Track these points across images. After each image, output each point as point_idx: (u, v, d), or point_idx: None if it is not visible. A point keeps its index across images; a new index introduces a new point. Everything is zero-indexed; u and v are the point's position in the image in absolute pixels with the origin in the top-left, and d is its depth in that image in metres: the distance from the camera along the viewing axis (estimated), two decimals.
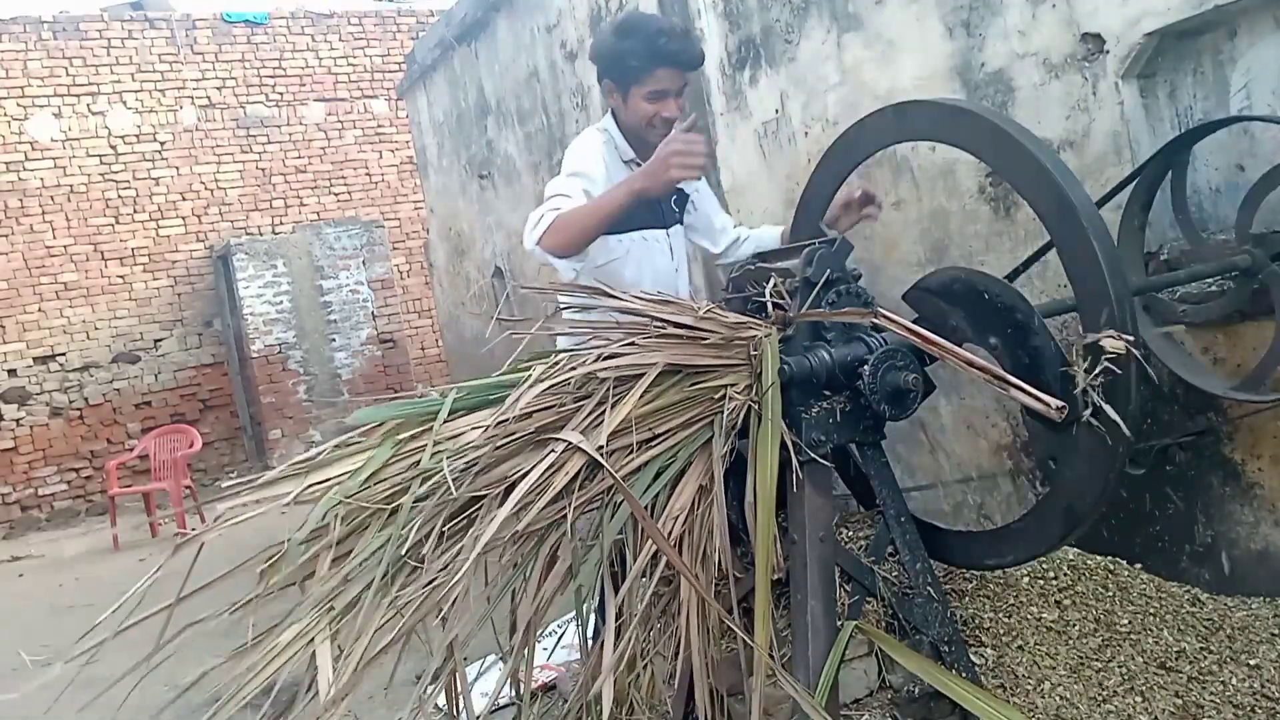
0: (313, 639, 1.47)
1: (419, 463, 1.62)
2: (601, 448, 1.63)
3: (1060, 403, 1.58)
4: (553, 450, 1.62)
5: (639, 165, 2.44)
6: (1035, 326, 1.76)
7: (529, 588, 1.61)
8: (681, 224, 2.62)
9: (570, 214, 2.18)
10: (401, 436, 1.68)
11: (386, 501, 1.60)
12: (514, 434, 1.65)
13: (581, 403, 1.71)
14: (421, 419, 1.71)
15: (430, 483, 1.59)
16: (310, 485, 1.61)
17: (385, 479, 1.63)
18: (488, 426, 1.64)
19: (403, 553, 1.53)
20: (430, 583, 1.52)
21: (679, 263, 2.56)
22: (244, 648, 1.50)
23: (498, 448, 1.63)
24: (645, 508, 1.66)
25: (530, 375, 1.72)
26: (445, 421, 1.69)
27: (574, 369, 1.73)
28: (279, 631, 1.50)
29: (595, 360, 1.74)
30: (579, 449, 1.62)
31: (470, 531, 1.57)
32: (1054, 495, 1.86)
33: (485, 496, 1.61)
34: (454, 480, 1.57)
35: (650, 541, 1.64)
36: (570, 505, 1.61)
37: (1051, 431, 1.78)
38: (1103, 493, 1.75)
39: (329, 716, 1.39)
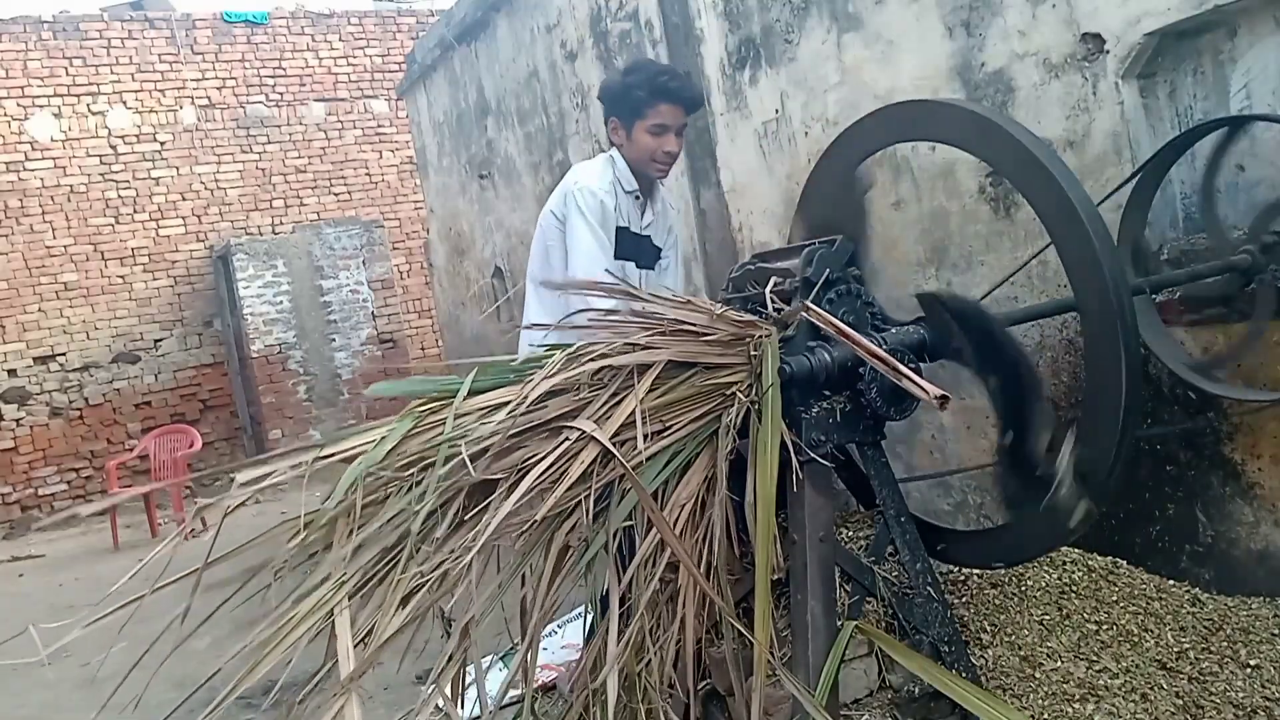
0: (332, 610, 1.48)
1: (440, 434, 1.66)
2: (614, 438, 1.66)
3: (939, 391, 1.63)
4: (566, 438, 1.65)
5: (638, 198, 2.63)
6: (1039, 394, 1.88)
7: (543, 570, 1.64)
8: (653, 270, 2.75)
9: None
10: (421, 410, 1.73)
11: (406, 470, 1.64)
12: (529, 422, 1.69)
13: (596, 393, 1.75)
14: (438, 397, 1.77)
15: (450, 465, 1.62)
16: (326, 455, 1.63)
17: (406, 452, 1.67)
18: (504, 417, 1.68)
19: (425, 517, 1.56)
20: (452, 551, 1.54)
21: None
22: (262, 621, 1.51)
23: (513, 435, 1.67)
24: (654, 495, 1.69)
25: (547, 365, 1.76)
26: (464, 400, 1.74)
27: (589, 360, 1.76)
28: (298, 602, 1.51)
29: (611, 353, 1.78)
30: (592, 438, 1.65)
31: (485, 516, 1.59)
32: (1002, 532, 1.96)
33: (499, 481, 1.64)
34: (471, 463, 1.60)
35: (656, 529, 1.66)
36: (590, 491, 1.64)
37: (1021, 489, 1.88)
38: (1038, 553, 1.90)
39: (345, 695, 1.39)
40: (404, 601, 1.51)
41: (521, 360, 1.90)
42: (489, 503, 1.63)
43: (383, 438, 1.68)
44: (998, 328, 1.91)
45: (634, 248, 2.62)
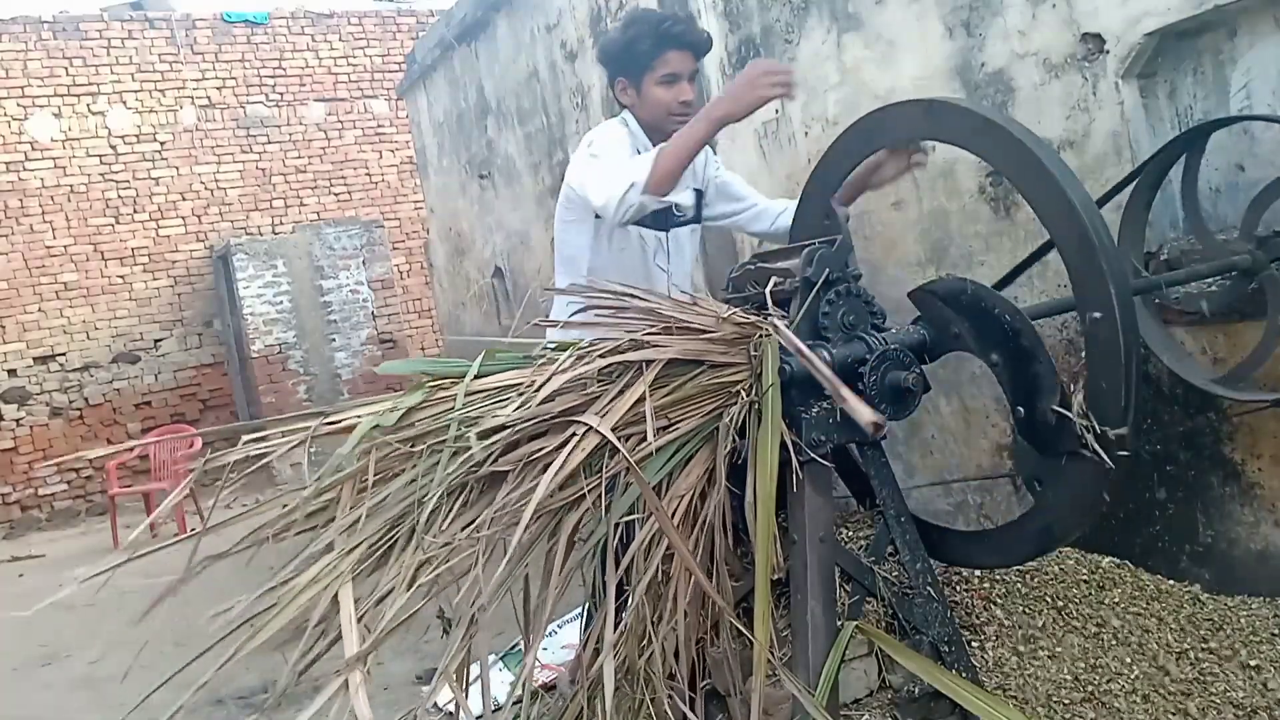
0: (335, 580, 1.49)
1: (449, 410, 1.69)
2: (619, 433, 1.68)
3: (874, 415, 1.66)
4: (574, 433, 1.66)
5: None
6: (1040, 356, 1.80)
7: (551, 559, 1.65)
8: (698, 221, 2.60)
9: (666, 153, 2.16)
10: (431, 385, 1.76)
11: (413, 443, 1.66)
12: (538, 415, 1.70)
13: (604, 388, 1.76)
14: (447, 376, 1.79)
15: (462, 458, 1.63)
16: (332, 422, 1.65)
17: (415, 425, 1.70)
18: (513, 411, 1.69)
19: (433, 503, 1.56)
20: (458, 535, 1.55)
21: (676, 265, 2.56)
22: (266, 588, 1.51)
23: (519, 430, 1.68)
24: (656, 489, 1.71)
25: (557, 361, 1.78)
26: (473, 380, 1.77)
27: (597, 357, 1.78)
28: (300, 572, 1.52)
29: (618, 349, 1.80)
30: (597, 431, 1.67)
31: (491, 502, 1.61)
32: (1034, 515, 1.92)
33: (508, 472, 1.66)
34: (476, 455, 1.61)
35: (655, 520, 1.68)
36: (601, 483, 1.66)
37: (1040, 457, 1.83)
38: (1081, 523, 1.82)
39: (350, 670, 1.39)
40: (411, 580, 1.52)
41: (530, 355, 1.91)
42: (495, 491, 1.65)
43: (390, 408, 1.70)
44: (989, 296, 1.90)
45: (651, 212, 2.42)
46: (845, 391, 1.72)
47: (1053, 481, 1.84)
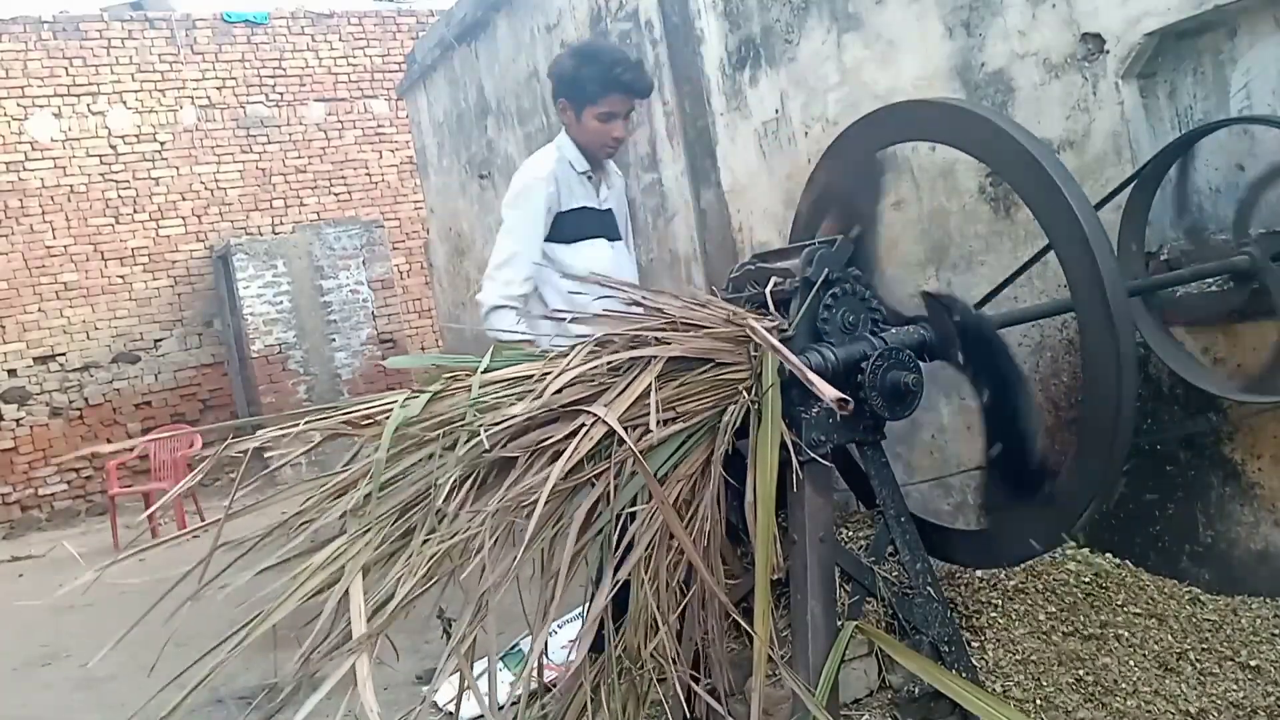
0: (345, 565, 1.50)
1: (465, 400, 1.74)
2: (626, 424, 1.71)
3: (839, 395, 1.70)
4: (584, 424, 1.71)
5: (591, 177, 2.69)
6: (1030, 422, 1.96)
7: (562, 544, 1.66)
8: (621, 240, 2.80)
9: (499, 326, 2.58)
10: (446, 377, 1.82)
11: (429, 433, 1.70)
12: (550, 405, 1.74)
13: (614, 380, 1.81)
14: (457, 371, 1.86)
15: (473, 442, 1.66)
16: (346, 416, 1.68)
17: (434, 414, 1.74)
18: (528, 402, 1.74)
19: (447, 486, 1.59)
20: (471, 517, 1.58)
21: (627, 275, 2.73)
22: (280, 564, 1.51)
23: (530, 418, 1.72)
24: (660, 479, 1.74)
25: (569, 356, 1.84)
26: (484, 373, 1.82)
27: (609, 353, 1.83)
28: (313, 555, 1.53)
29: (625, 346, 1.84)
30: (604, 422, 1.70)
31: (503, 487, 1.64)
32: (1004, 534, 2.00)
33: (518, 458, 1.70)
34: (489, 442, 1.66)
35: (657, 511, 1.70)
36: (610, 471, 1.69)
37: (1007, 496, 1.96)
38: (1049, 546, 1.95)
39: (357, 653, 1.39)
40: (425, 563, 1.53)
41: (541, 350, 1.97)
42: (504, 479, 1.68)
43: (406, 399, 1.74)
44: (997, 341, 1.94)
45: (599, 224, 2.69)
46: (811, 375, 1.74)
47: (1013, 519, 1.94)
